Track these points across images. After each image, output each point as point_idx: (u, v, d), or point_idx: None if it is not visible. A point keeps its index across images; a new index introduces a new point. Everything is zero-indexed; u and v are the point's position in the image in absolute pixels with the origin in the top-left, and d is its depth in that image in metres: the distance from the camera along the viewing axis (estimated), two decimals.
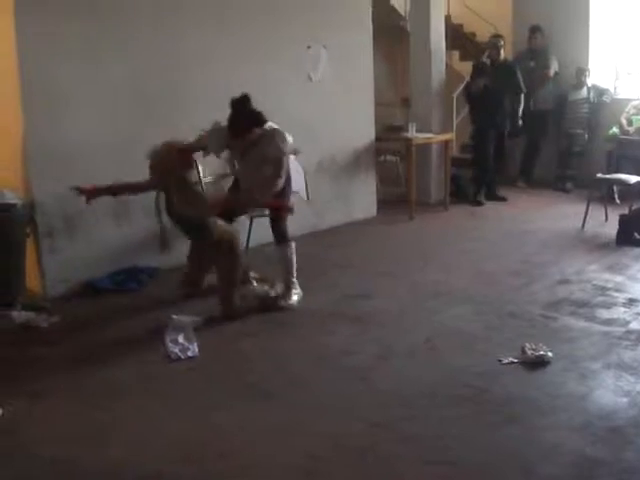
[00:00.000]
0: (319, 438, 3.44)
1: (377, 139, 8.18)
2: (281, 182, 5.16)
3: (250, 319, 5.04)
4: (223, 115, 5.07)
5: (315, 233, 7.33)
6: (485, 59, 8.84)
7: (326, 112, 7.44)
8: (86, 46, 5.52)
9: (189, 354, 4.41)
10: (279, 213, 5.31)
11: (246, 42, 6.59)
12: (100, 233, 5.72)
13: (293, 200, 5.50)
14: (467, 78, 9.01)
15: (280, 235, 5.35)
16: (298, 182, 6.02)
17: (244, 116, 5.00)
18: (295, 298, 5.32)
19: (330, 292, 5.56)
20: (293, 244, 5.39)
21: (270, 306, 5.23)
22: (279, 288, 5.40)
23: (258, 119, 5.05)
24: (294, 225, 6.89)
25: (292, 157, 5.51)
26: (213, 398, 3.88)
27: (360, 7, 7.75)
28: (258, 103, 6.67)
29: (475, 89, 8.59)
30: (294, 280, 5.36)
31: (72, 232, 5.58)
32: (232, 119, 4.99)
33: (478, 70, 8.71)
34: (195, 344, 4.50)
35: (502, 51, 8.79)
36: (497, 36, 9.01)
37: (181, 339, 4.56)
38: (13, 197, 5.16)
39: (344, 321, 4.98)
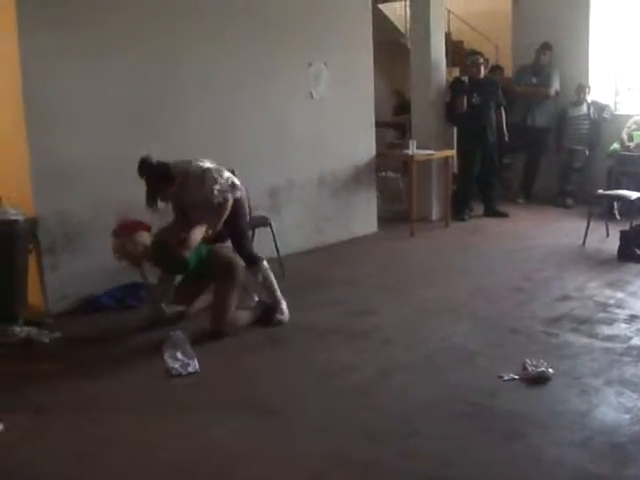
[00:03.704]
0: (321, 454, 3.43)
1: (378, 155, 8.21)
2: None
3: (250, 335, 5.04)
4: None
5: (316, 249, 7.34)
6: (464, 77, 8.85)
7: (327, 129, 7.48)
8: (88, 66, 5.55)
9: (190, 370, 4.40)
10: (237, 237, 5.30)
11: (247, 60, 6.63)
12: (101, 249, 5.70)
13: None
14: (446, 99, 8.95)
15: (246, 255, 5.30)
16: None
17: (157, 178, 4.89)
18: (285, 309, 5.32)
19: (331, 308, 5.56)
20: (265, 262, 5.35)
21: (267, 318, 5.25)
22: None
23: (167, 174, 4.91)
24: (296, 241, 6.97)
25: None
26: (215, 414, 3.87)
27: (361, 25, 7.79)
28: (260, 119, 6.76)
29: (460, 108, 8.60)
30: (280, 299, 5.34)
31: (74, 248, 5.59)
32: (150, 187, 4.91)
33: (459, 89, 8.72)
34: (195, 360, 4.49)
35: (482, 67, 8.82)
36: (475, 53, 9.04)
37: (180, 355, 4.55)
38: (15, 213, 5.17)
39: (345, 337, 4.97)
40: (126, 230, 4.82)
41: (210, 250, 5.07)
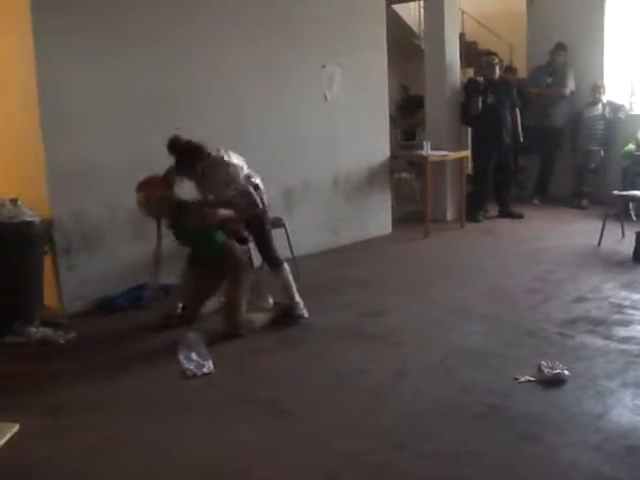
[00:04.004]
0: (335, 456, 3.43)
1: (392, 157, 8.21)
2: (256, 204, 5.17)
3: (264, 336, 5.05)
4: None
5: (331, 250, 7.36)
6: (479, 78, 8.83)
7: (341, 130, 7.48)
8: (103, 67, 5.58)
9: (205, 370, 4.41)
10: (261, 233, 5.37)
11: (261, 62, 6.65)
12: (117, 250, 5.76)
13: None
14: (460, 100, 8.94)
15: (270, 259, 5.44)
16: None
17: (188, 154, 4.97)
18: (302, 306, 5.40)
19: (346, 309, 5.56)
20: (287, 266, 5.47)
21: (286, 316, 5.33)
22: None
23: (199, 151, 4.99)
24: (310, 242, 6.98)
25: None
26: (229, 415, 3.88)
27: (375, 26, 7.79)
28: (274, 121, 6.78)
29: (475, 108, 8.57)
30: (298, 300, 5.41)
31: (89, 249, 5.63)
32: (179, 163, 4.99)
33: (473, 89, 8.69)
34: (210, 361, 4.50)
35: (497, 68, 8.79)
36: (490, 53, 9.02)
37: (195, 356, 4.56)
38: (32, 214, 5.20)
39: (359, 338, 4.97)
40: (151, 185, 4.90)
41: (225, 241, 5.08)
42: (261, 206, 5.20)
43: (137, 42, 5.76)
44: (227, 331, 4.98)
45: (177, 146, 4.92)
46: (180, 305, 5.32)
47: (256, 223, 5.28)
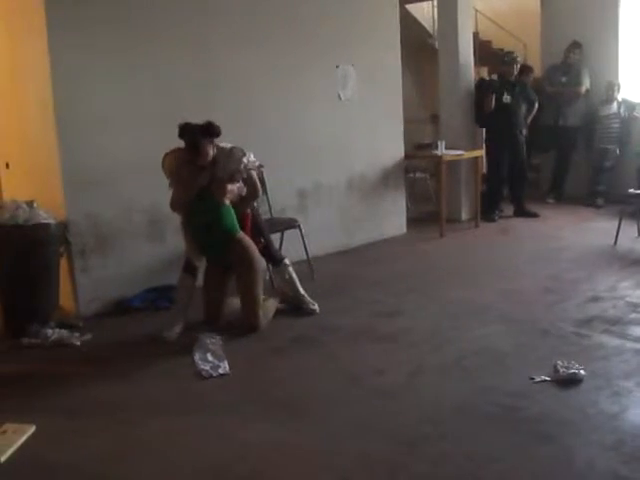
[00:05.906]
0: (350, 457, 3.42)
1: (407, 156, 8.20)
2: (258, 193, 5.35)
3: (279, 336, 5.05)
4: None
5: (345, 251, 7.36)
6: (493, 76, 8.81)
7: (355, 130, 7.48)
8: (119, 70, 5.62)
9: (220, 371, 4.42)
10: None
11: (275, 62, 6.66)
12: (132, 252, 5.78)
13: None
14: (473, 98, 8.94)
15: (271, 257, 5.56)
16: None
17: (200, 133, 4.95)
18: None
19: (360, 309, 5.56)
20: (288, 261, 5.60)
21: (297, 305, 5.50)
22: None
23: (212, 128, 4.98)
24: (324, 243, 6.98)
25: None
26: (244, 416, 3.88)
27: (389, 26, 7.79)
28: (288, 122, 6.79)
29: (489, 106, 8.54)
30: (303, 294, 5.56)
31: (105, 251, 5.65)
32: (192, 141, 4.94)
33: (487, 87, 8.66)
34: (225, 361, 4.51)
35: (517, 66, 8.77)
36: (511, 52, 9.00)
37: (210, 356, 4.58)
38: (47, 216, 5.23)
39: (374, 339, 4.96)
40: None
41: (239, 234, 5.08)
42: (260, 194, 5.40)
43: (153, 44, 5.78)
44: (248, 323, 5.06)
45: (188, 127, 4.91)
46: (179, 327, 5.17)
47: (253, 222, 5.35)
